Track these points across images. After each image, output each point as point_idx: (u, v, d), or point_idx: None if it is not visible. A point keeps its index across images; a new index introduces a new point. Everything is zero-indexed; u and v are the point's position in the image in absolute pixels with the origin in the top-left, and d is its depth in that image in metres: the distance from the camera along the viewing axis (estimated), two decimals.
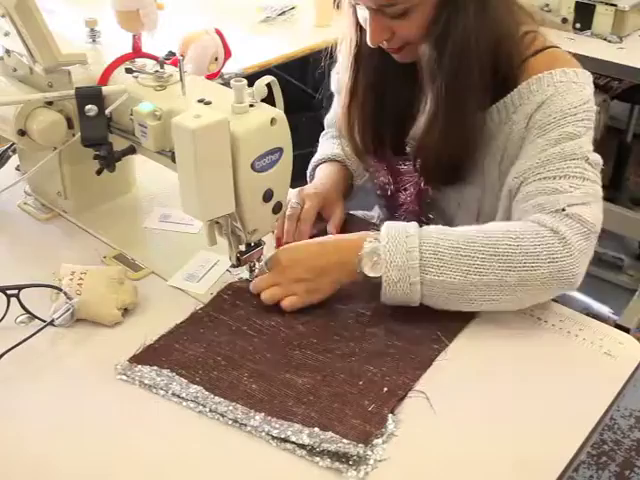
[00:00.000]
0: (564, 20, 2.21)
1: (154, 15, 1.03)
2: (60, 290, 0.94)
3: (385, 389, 0.84)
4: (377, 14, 0.99)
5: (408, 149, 1.12)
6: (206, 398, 0.83)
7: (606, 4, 2.15)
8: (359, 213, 1.31)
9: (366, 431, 0.78)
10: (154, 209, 1.20)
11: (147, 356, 0.89)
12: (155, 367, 0.87)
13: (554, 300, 0.99)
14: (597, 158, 0.97)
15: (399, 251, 0.90)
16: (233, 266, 1.00)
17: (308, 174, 1.30)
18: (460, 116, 1.02)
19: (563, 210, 0.92)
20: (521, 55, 1.02)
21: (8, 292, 0.92)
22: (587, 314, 0.98)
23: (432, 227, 0.94)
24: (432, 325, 0.93)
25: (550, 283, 0.90)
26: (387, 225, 0.94)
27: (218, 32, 1.14)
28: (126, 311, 0.97)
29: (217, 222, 0.95)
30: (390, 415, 0.81)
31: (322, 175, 1.23)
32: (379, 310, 0.96)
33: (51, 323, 0.92)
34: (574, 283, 0.92)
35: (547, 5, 2.22)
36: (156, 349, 0.90)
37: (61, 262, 1.01)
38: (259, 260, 1.01)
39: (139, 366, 0.87)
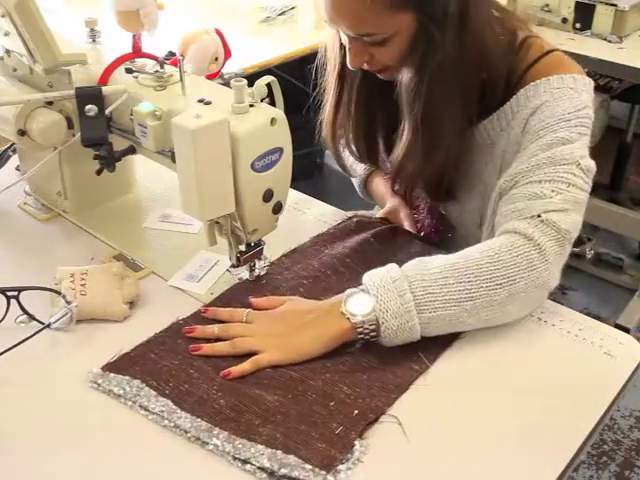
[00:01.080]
0: (564, 20, 2.21)
1: (154, 15, 1.03)
2: (59, 293, 0.94)
3: (356, 412, 0.81)
4: (355, 40, 0.99)
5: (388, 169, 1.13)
6: (172, 412, 0.81)
7: (606, 4, 2.15)
8: (359, 213, 1.31)
9: (330, 456, 0.75)
10: (154, 209, 1.20)
11: (121, 364, 0.87)
12: (127, 376, 0.85)
13: (555, 300, 0.99)
14: (590, 164, 0.96)
15: (391, 297, 0.87)
16: (233, 266, 1.00)
17: (359, 186, 1.32)
18: (438, 140, 1.02)
19: (539, 216, 0.92)
20: (523, 63, 1.02)
21: (8, 294, 0.92)
22: (587, 314, 0.98)
23: (411, 264, 0.91)
24: (414, 344, 0.89)
25: (530, 290, 0.90)
26: (368, 275, 0.91)
27: (218, 32, 1.14)
28: (132, 304, 0.98)
29: (217, 222, 0.95)
30: (358, 440, 0.78)
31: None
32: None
33: (48, 326, 0.92)
34: (550, 287, 0.93)
35: (547, 5, 2.22)
36: (132, 357, 0.88)
37: (61, 262, 1.01)
38: (259, 260, 1.02)
39: (112, 374, 0.86)
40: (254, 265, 1.01)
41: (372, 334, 0.88)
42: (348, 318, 0.88)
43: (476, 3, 0.96)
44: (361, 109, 1.13)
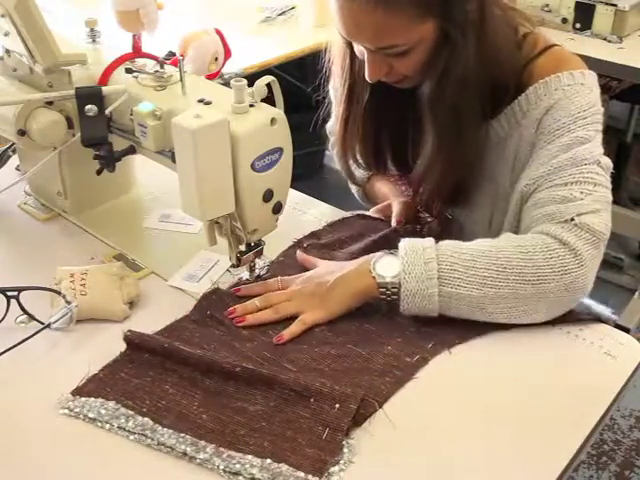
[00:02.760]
0: (564, 20, 2.21)
1: (154, 15, 1.03)
2: (59, 293, 0.94)
3: (337, 405, 0.79)
4: (375, 53, 0.98)
5: (410, 177, 1.13)
6: (154, 430, 0.78)
7: (606, 4, 2.15)
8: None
9: (321, 460, 0.75)
10: (154, 209, 1.20)
11: (91, 387, 0.84)
12: (100, 399, 0.82)
13: None
14: (608, 161, 0.97)
15: (417, 262, 0.90)
16: (233, 266, 1.00)
17: (356, 192, 1.32)
18: (462, 146, 1.02)
19: (572, 220, 0.92)
20: (524, 58, 1.01)
21: (8, 294, 0.92)
22: (587, 314, 0.98)
23: (446, 242, 0.94)
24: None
25: (563, 295, 0.91)
26: (404, 241, 0.94)
27: (218, 32, 1.14)
28: (132, 304, 0.98)
29: (217, 222, 0.95)
30: (345, 440, 0.78)
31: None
32: (339, 328, 0.93)
33: (48, 326, 0.92)
34: (586, 293, 0.93)
35: (547, 5, 2.22)
36: (101, 379, 0.85)
37: (61, 262, 1.01)
38: (259, 260, 1.02)
39: (83, 398, 0.83)
40: (254, 265, 1.02)
41: (394, 297, 0.92)
42: (374, 277, 0.92)
43: (490, 8, 0.96)
44: (370, 123, 1.13)
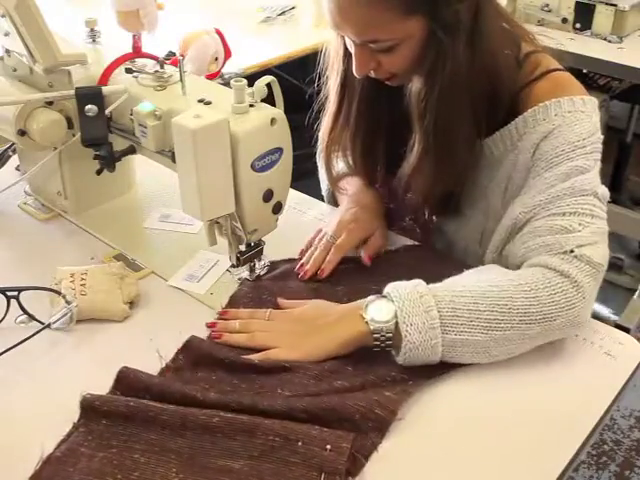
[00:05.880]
0: (564, 20, 2.21)
1: (154, 15, 1.03)
2: (59, 293, 0.94)
3: (328, 447, 0.73)
4: (362, 47, 0.96)
5: (395, 183, 1.10)
6: None
7: (606, 4, 2.15)
8: None
9: None
10: (154, 209, 1.20)
11: (50, 471, 0.73)
12: None
13: None
14: (605, 192, 0.96)
15: (416, 312, 0.84)
16: (233, 266, 1.00)
17: (326, 194, 1.28)
18: (451, 153, 1.00)
19: (572, 252, 0.90)
20: (524, 79, 0.99)
21: (8, 294, 0.92)
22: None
23: (439, 285, 0.89)
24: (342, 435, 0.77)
25: (568, 330, 0.90)
26: (392, 285, 0.88)
27: (218, 32, 1.14)
28: (132, 304, 0.98)
29: (217, 222, 0.95)
30: None
31: (355, 198, 1.14)
32: (280, 417, 0.79)
33: (48, 326, 0.92)
34: (584, 324, 0.91)
35: (547, 5, 2.22)
36: (59, 459, 0.75)
37: (61, 262, 1.01)
38: (259, 259, 1.02)
39: None
40: (254, 265, 1.02)
41: (388, 342, 0.86)
42: (367, 322, 0.86)
43: (488, 13, 0.94)
44: (362, 121, 1.10)
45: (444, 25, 0.92)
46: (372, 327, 0.86)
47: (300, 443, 0.74)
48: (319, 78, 1.12)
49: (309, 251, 1.06)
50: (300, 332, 0.91)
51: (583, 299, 0.88)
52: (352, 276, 1.04)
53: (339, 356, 0.88)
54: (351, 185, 1.18)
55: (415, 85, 1.01)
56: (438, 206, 1.09)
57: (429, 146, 1.00)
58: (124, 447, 0.76)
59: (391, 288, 0.88)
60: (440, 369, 0.87)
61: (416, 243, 1.14)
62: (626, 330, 0.96)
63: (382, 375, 0.85)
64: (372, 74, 1.01)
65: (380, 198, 1.16)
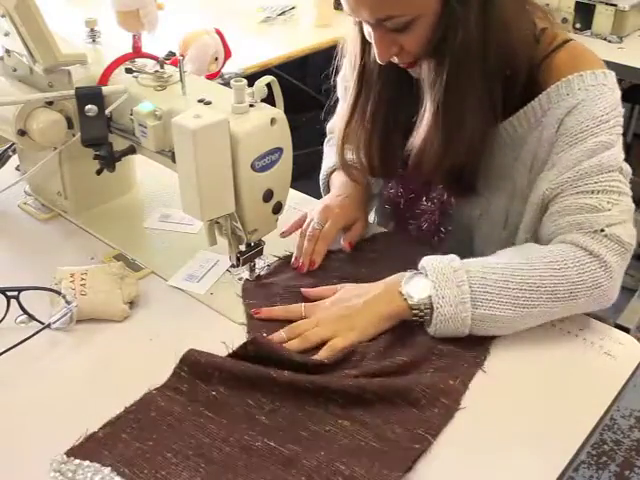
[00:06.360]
0: (564, 20, 2.20)
1: (154, 15, 1.03)
2: (59, 293, 0.94)
3: None
4: (379, 29, 0.96)
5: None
6: None
7: (606, 4, 2.15)
8: None
9: None
10: (154, 209, 1.20)
11: (89, 448, 0.76)
12: (95, 463, 0.74)
13: None
14: (628, 168, 0.97)
15: (449, 286, 0.89)
16: (233, 266, 1.00)
17: (322, 182, 1.28)
18: (460, 128, 1.00)
19: (602, 231, 0.92)
20: (542, 52, 1.00)
21: (8, 294, 0.92)
22: (587, 314, 0.98)
23: (472, 260, 0.93)
24: (411, 419, 0.80)
25: (590, 307, 0.93)
26: (428, 259, 0.93)
27: (218, 32, 1.14)
28: (132, 304, 0.98)
29: (217, 222, 0.95)
30: None
31: (344, 188, 1.18)
32: (351, 398, 0.82)
33: (48, 326, 0.92)
34: (611, 303, 0.94)
35: (547, 5, 2.21)
36: (100, 440, 0.77)
37: (61, 262, 1.01)
38: (259, 260, 1.02)
39: (77, 460, 0.74)
40: (254, 265, 1.02)
41: (426, 317, 0.91)
42: (405, 299, 0.91)
43: None
44: (380, 111, 1.10)
45: None
46: (410, 302, 0.91)
47: None
48: (322, 78, 1.12)
49: (298, 243, 1.08)
50: (347, 315, 0.93)
51: (610, 279, 0.91)
52: (343, 263, 1.08)
53: (388, 336, 0.91)
54: (339, 179, 1.21)
55: (428, 62, 1.00)
56: (449, 181, 1.08)
57: (438, 119, 1.00)
58: (160, 443, 0.77)
59: (426, 262, 0.93)
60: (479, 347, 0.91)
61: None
62: (626, 330, 0.97)
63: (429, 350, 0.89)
64: (395, 60, 1.01)
65: (365, 191, 1.19)
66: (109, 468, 0.74)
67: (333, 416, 0.80)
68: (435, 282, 0.90)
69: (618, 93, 0.99)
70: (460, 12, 0.92)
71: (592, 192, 0.94)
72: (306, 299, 0.99)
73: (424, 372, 0.86)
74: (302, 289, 1.00)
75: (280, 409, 0.81)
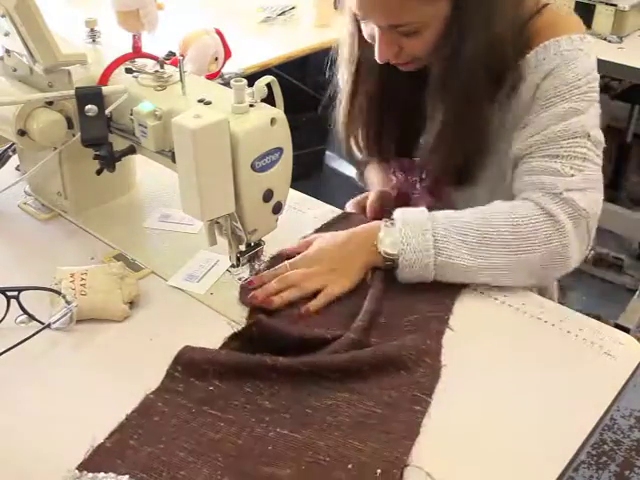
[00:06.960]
0: None
1: (154, 15, 1.03)
2: (59, 293, 0.94)
3: (378, 470, 0.73)
4: (388, 32, 0.98)
5: (416, 160, 1.13)
6: None
7: (606, 4, 2.15)
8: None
9: None
10: (154, 209, 1.20)
11: (99, 460, 0.74)
12: (111, 473, 0.72)
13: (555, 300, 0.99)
14: (599, 135, 0.99)
15: (414, 234, 0.95)
16: (233, 266, 1.00)
17: (357, 174, 1.34)
18: (471, 125, 1.03)
19: (561, 194, 0.96)
20: (526, 14, 1.01)
21: (8, 294, 0.92)
22: (587, 314, 0.98)
23: (441, 212, 0.98)
24: (403, 382, 0.84)
25: (546, 264, 0.96)
26: (400, 211, 0.98)
27: (218, 32, 1.14)
28: (132, 304, 0.98)
29: (217, 222, 0.95)
30: None
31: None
32: (342, 368, 0.84)
33: (48, 326, 0.92)
34: (568, 265, 0.98)
35: None
36: (108, 449, 0.75)
37: (61, 262, 1.01)
38: (259, 259, 1.02)
39: (90, 474, 0.72)
40: (254, 265, 1.02)
41: (394, 266, 0.97)
42: (380, 252, 0.97)
43: None
44: (374, 106, 1.13)
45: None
46: (384, 256, 0.97)
47: (350, 466, 0.74)
48: (322, 78, 1.14)
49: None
50: (335, 262, 0.98)
51: (562, 237, 0.96)
52: None
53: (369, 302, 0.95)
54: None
55: (435, 66, 1.03)
56: (455, 177, 1.11)
57: (452, 120, 1.04)
58: (172, 443, 0.76)
59: (398, 213, 0.99)
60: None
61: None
62: (626, 330, 0.97)
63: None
64: (392, 60, 1.02)
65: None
66: (127, 476, 0.72)
67: (332, 390, 0.83)
68: (402, 230, 0.96)
69: (594, 59, 1.01)
70: (471, 17, 0.95)
71: (557, 156, 0.98)
72: (288, 258, 1.02)
73: (405, 335, 0.90)
74: (282, 249, 1.04)
75: (279, 392, 0.83)
